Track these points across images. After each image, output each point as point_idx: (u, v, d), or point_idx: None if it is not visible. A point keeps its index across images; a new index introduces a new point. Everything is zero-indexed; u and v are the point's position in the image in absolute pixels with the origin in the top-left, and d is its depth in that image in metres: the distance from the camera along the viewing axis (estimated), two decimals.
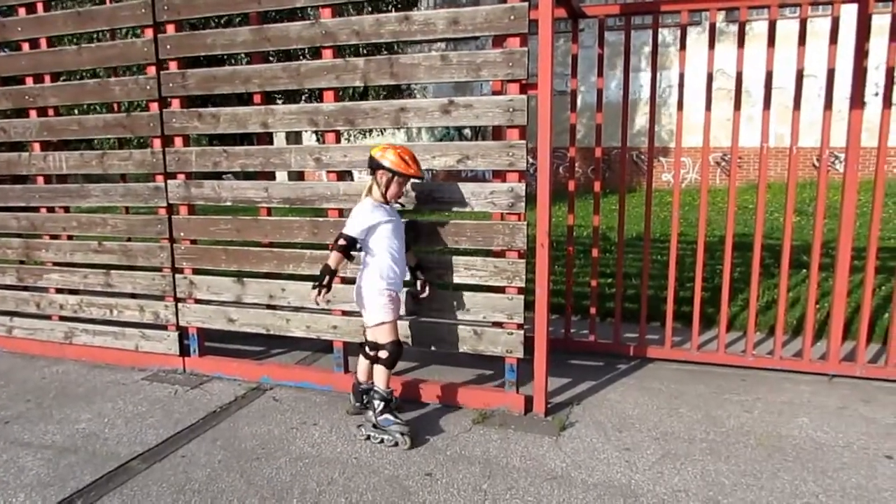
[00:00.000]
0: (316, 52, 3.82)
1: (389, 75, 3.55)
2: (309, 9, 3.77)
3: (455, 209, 3.54)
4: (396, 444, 3.24)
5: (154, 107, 4.05)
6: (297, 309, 3.97)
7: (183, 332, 4.27)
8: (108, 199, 4.31)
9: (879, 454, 3.18)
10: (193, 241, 4.15)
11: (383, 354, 3.28)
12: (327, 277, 3.20)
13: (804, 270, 6.19)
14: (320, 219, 3.82)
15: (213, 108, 3.94)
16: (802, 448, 3.24)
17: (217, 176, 4.13)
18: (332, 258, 3.20)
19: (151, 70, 4.01)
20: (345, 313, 3.87)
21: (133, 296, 4.41)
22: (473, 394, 3.74)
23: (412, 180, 3.35)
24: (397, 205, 3.42)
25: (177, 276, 4.18)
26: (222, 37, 3.84)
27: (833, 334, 4.10)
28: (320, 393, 3.97)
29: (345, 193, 3.73)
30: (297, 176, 16.66)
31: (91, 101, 4.31)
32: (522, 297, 3.49)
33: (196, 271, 4.17)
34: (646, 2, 4.28)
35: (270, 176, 4.26)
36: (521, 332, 3.53)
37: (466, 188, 3.49)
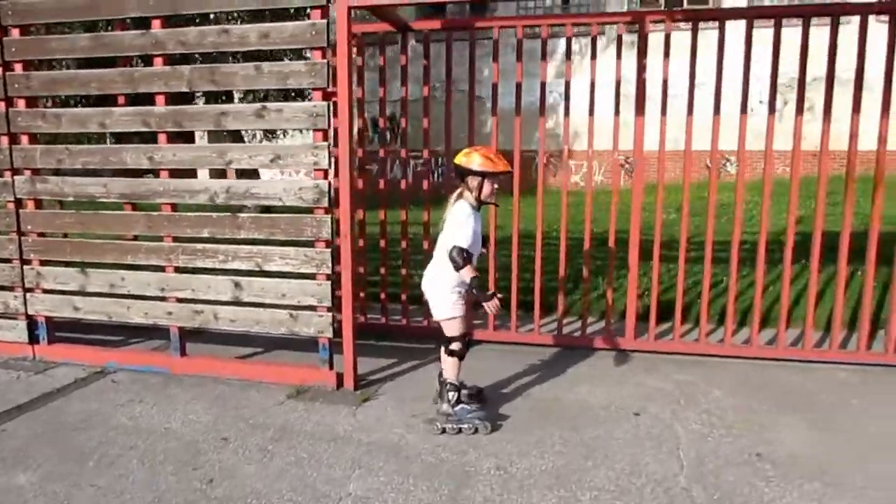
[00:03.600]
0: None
1: (211, 82, 3.91)
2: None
3: (271, 204, 3.92)
4: (476, 431, 3.36)
5: (1, 106, 4.30)
6: (135, 297, 4.28)
7: (32, 321, 4.52)
8: None
9: (630, 412, 3.69)
10: (41, 234, 4.41)
11: (455, 346, 3.44)
12: (478, 286, 3.26)
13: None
14: (154, 213, 4.14)
15: (55, 108, 4.23)
16: (568, 409, 3.73)
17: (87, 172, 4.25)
18: (468, 271, 3.23)
19: None
20: (179, 300, 4.19)
21: None
22: (292, 371, 4.12)
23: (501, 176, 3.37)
24: (490, 201, 3.50)
25: (25, 267, 4.43)
26: (64, 42, 4.14)
27: (629, 314, 4.65)
28: (158, 375, 4.27)
29: (175, 189, 4.06)
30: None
31: None
32: (330, 283, 3.89)
33: (43, 262, 4.42)
34: (463, 19, 4.74)
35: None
36: (330, 314, 3.93)
37: (279, 185, 3.88)
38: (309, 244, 3.91)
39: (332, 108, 3.70)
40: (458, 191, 3.45)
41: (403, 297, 5.02)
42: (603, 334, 4.78)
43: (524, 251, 5.07)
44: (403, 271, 5.04)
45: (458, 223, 3.30)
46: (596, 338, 4.77)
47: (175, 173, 4.08)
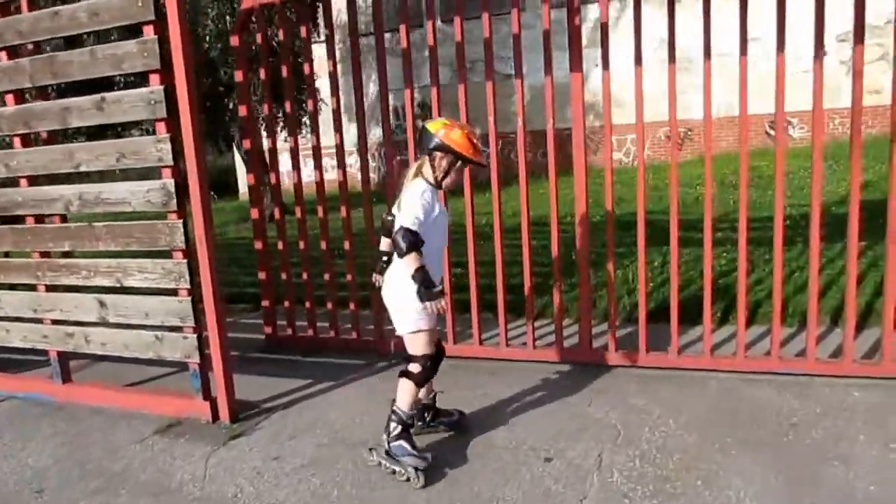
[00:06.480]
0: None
1: (51, 74, 3.41)
2: None
3: (122, 210, 3.39)
4: (408, 480, 2.70)
5: None
6: (13, 319, 3.88)
7: None
8: None
9: (541, 456, 2.88)
10: None
11: (414, 368, 2.79)
12: (427, 280, 2.54)
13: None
14: (18, 226, 3.71)
15: None
16: (464, 452, 2.96)
17: None
18: (414, 259, 2.53)
19: None
20: (54, 322, 3.75)
21: None
22: (172, 401, 3.58)
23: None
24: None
25: None
26: None
27: (582, 320, 3.80)
28: (43, 405, 3.84)
29: (33, 199, 3.61)
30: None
31: None
32: (190, 298, 3.31)
33: None
34: None
35: None
36: (195, 335, 3.35)
37: (126, 187, 3.32)
38: (166, 254, 3.34)
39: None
40: (417, 165, 2.79)
41: (352, 306, 4.34)
42: (557, 346, 3.93)
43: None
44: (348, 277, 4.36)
45: (414, 203, 2.62)
46: (544, 350, 3.94)
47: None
